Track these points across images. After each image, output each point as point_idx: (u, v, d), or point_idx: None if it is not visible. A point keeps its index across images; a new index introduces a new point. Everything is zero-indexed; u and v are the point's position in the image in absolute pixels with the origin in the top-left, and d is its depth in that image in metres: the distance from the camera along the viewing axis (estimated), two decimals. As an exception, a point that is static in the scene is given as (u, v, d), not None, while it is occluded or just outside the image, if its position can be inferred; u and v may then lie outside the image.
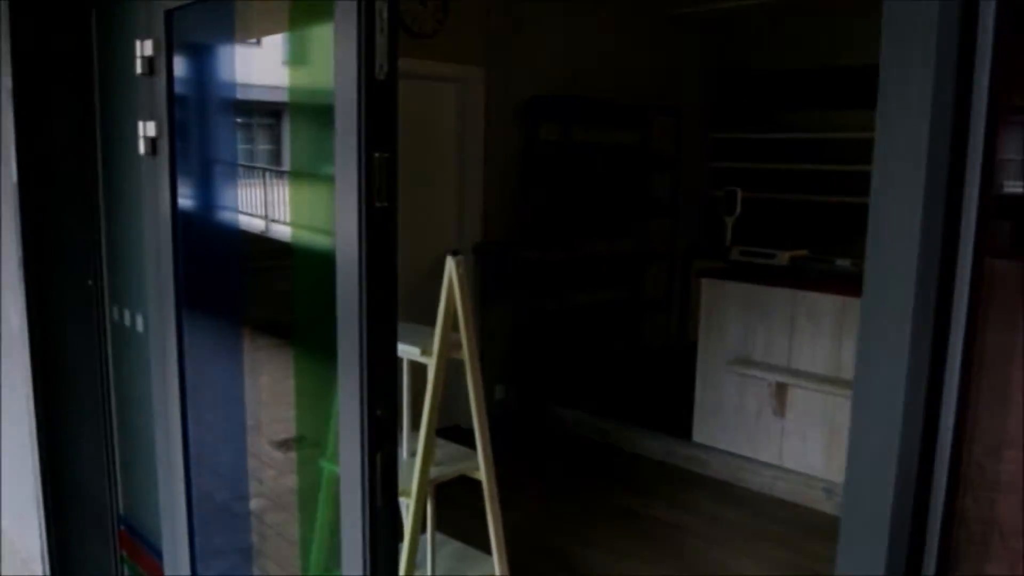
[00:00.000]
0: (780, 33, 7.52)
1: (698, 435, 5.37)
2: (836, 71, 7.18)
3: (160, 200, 2.89)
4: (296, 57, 2.44)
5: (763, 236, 7.67)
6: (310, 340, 2.50)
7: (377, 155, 2.02)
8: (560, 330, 6.06)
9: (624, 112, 6.83)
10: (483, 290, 5.95)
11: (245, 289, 2.96)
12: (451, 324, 2.78)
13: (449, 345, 2.79)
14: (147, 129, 2.90)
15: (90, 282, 3.51)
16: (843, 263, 4.92)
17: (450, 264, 2.64)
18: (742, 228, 6.00)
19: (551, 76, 6.21)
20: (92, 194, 3.49)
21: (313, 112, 2.40)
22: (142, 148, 2.92)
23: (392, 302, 2.12)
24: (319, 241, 2.40)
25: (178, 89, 2.82)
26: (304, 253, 2.50)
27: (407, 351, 2.83)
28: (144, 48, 2.87)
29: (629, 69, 6.85)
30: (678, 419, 5.65)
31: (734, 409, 5.17)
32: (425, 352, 2.80)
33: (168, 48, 2.81)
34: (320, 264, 2.22)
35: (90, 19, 3.38)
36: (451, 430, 5.93)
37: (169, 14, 2.79)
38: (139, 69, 2.88)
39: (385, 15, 2.01)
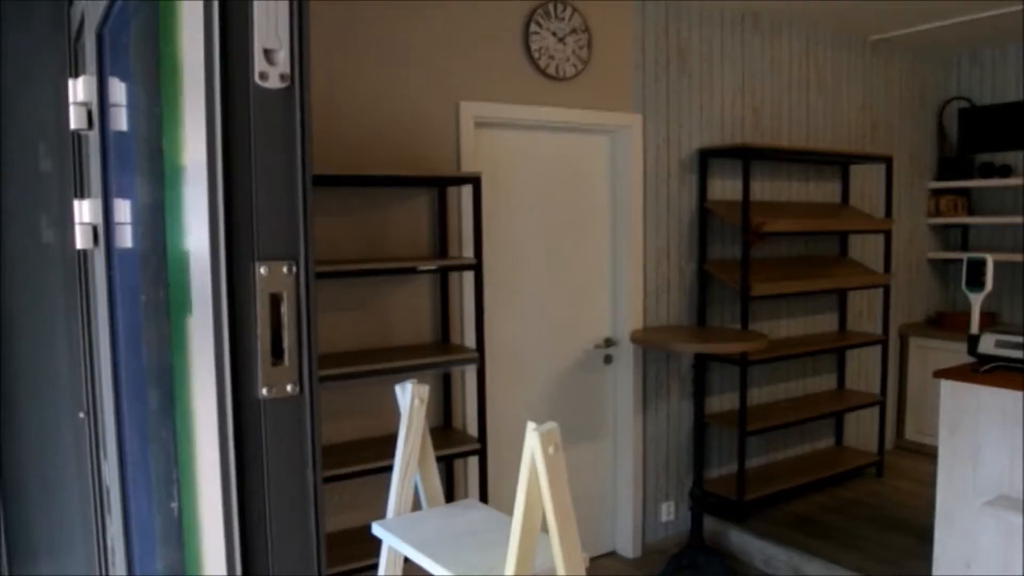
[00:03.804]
0: (1011, 58, 5.80)
1: (940, 592, 3.75)
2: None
3: (98, 316, 1.80)
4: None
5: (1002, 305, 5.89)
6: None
7: (264, 270, 0.80)
8: (741, 434, 4.60)
9: (817, 163, 5.34)
10: (644, 388, 4.60)
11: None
12: (536, 532, 1.50)
13: (533, 569, 1.50)
14: (83, 212, 1.83)
15: (82, 415, 2.52)
16: None
17: (532, 440, 1.38)
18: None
19: (724, 121, 4.85)
20: (84, 299, 2.50)
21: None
22: (80, 240, 1.84)
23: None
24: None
25: (117, 146, 1.73)
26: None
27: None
28: (78, 90, 1.81)
29: (822, 110, 5.37)
30: (907, 564, 4.05)
31: (997, 565, 3.52)
32: (491, 594, 1.51)
33: (102, 85, 1.74)
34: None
35: None
36: (605, 560, 4.60)
37: (101, 35, 1.71)
38: (74, 122, 1.83)
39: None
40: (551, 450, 1.37)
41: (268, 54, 0.77)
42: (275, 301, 0.79)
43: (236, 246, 0.77)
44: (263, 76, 0.77)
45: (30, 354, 2.54)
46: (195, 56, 0.77)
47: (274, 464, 0.80)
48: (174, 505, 1.18)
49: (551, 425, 1.39)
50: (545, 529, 1.52)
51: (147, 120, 1.34)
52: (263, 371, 0.79)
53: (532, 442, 1.37)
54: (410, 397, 1.73)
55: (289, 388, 0.80)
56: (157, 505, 1.43)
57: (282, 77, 0.78)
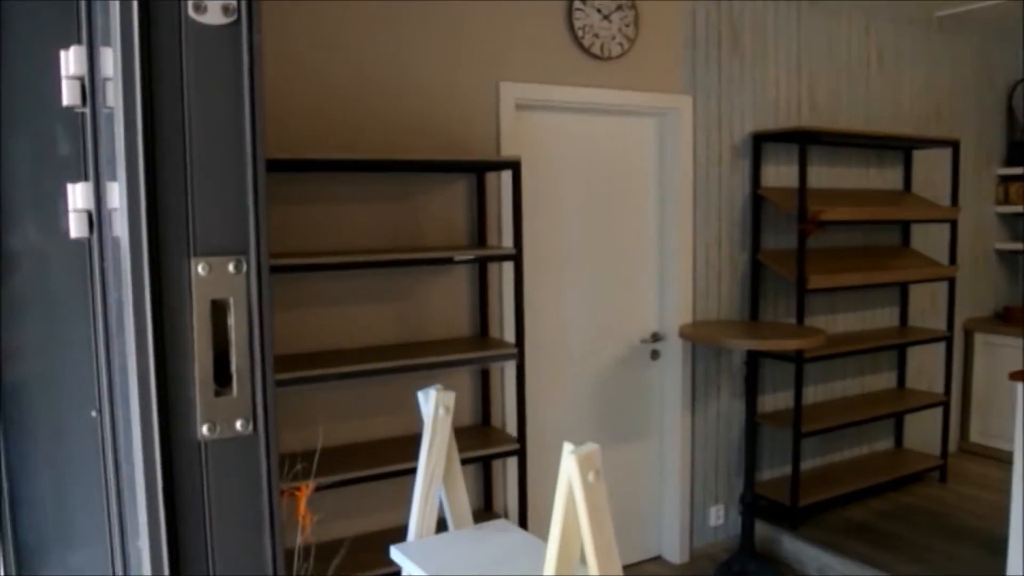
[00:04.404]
0: (1094, 34, 5.41)
1: (1013, 610, 3.47)
2: None
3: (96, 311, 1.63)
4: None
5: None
6: None
7: (202, 268, 0.59)
8: (796, 435, 4.33)
9: (878, 147, 5.03)
10: (693, 385, 4.36)
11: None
12: (572, 569, 1.28)
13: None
14: (77, 197, 1.66)
15: (94, 413, 2.38)
16: None
17: (569, 465, 1.17)
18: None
19: (779, 103, 4.57)
20: (93, 292, 2.34)
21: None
22: (74, 228, 1.68)
23: None
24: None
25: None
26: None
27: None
28: (70, 63, 1.64)
29: (884, 91, 5.06)
30: (977, 578, 3.77)
31: (1078, 584, 3.24)
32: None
33: (91, 54, 1.56)
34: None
35: None
36: (651, 565, 4.37)
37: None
38: (67, 98, 1.66)
39: None
40: (591, 477, 1.16)
41: (206, -21, 0.57)
42: (219, 309, 0.59)
43: (163, 236, 0.57)
44: (199, 8, 0.57)
45: (43, 348, 2.40)
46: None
47: (220, 525, 0.61)
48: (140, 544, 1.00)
49: (591, 447, 1.18)
50: (583, 561, 1.31)
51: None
52: (203, 403, 0.59)
53: (569, 467, 1.16)
54: (434, 405, 1.53)
55: (239, 425, 0.61)
56: (129, 542, 1.26)
57: (226, 10, 0.58)
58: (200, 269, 0.58)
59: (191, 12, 0.57)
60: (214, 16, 0.58)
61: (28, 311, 2.29)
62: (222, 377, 0.60)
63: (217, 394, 0.60)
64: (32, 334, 2.36)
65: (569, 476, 1.16)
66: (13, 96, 2.36)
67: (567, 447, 1.17)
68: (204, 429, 0.60)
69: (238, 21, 0.58)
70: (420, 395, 1.56)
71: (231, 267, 0.59)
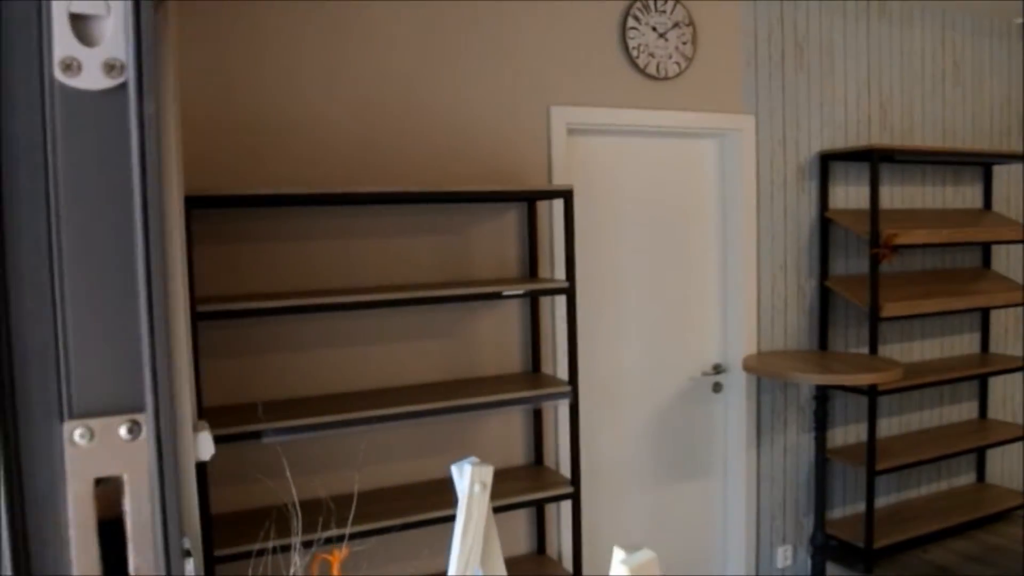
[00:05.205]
0: None
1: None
2: None
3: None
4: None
5: None
6: None
7: (80, 434, 0.40)
8: (870, 473, 4.03)
9: (955, 164, 4.71)
10: (758, 419, 4.10)
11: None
12: None
13: None
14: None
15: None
16: None
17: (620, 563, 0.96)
18: None
19: (848, 120, 4.29)
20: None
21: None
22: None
23: None
24: None
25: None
26: None
27: None
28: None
29: (961, 105, 4.74)
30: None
31: None
32: None
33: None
34: None
35: None
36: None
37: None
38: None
39: None
40: (650, 587, 0.96)
41: (81, 24, 0.39)
42: (110, 490, 0.41)
43: (20, 390, 0.39)
44: (70, 67, 0.39)
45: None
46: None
47: None
48: None
49: (646, 556, 0.98)
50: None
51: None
52: None
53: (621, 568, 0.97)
54: (468, 482, 1.35)
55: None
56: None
57: (109, 69, 0.40)
58: (77, 436, 0.40)
59: (58, 73, 0.39)
60: (91, 78, 0.40)
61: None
62: (115, 584, 0.42)
63: (108, 608, 0.42)
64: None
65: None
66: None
67: (617, 554, 0.98)
68: (87, 661, 0.41)
69: (125, 85, 0.40)
70: (454, 469, 1.38)
71: (123, 431, 0.41)
